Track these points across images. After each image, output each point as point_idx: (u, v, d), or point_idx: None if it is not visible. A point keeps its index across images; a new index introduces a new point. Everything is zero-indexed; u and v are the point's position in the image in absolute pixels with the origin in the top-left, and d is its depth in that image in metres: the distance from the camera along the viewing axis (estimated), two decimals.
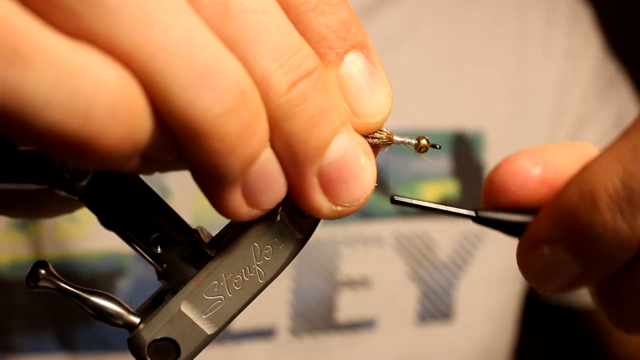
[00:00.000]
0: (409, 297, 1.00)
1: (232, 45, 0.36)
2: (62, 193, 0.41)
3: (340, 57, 0.40)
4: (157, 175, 0.89)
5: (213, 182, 0.38)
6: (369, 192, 0.43)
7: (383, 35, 1.01)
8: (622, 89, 1.16)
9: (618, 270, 0.42)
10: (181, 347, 0.44)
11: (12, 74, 0.32)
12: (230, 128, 0.36)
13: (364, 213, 0.97)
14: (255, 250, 0.44)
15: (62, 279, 0.44)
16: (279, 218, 0.44)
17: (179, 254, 0.44)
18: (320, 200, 0.41)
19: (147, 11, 0.33)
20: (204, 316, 0.44)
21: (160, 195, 0.92)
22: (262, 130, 0.37)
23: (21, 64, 0.32)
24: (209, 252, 0.44)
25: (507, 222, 0.45)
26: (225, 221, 0.46)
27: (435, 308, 1.00)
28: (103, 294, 0.44)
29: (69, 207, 0.54)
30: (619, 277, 0.43)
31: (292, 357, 0.96)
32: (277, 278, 0.45)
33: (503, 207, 0.45)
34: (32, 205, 0.52)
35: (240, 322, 0.94)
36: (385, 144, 0.44)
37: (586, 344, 1.19)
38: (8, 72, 0.32)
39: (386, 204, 0.98)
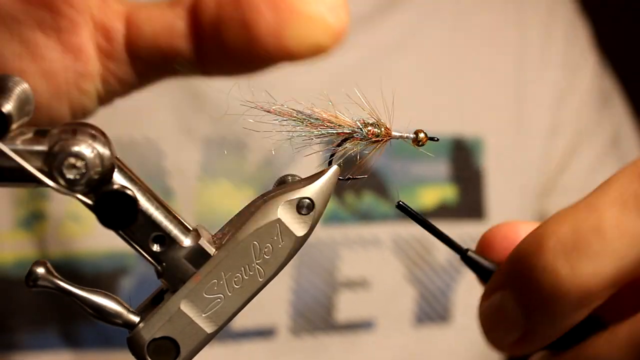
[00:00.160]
0: (407, 299, 0.99)
1: None
2: (62, 192, 0.40)
3: None
4: (159, 175, 0.90)
5: None
6: None
7: (386, 42, 1.00)
8: (618, 104, 1.15)
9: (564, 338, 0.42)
10: (181, 346, 0.43)
11: None
12: None
13: (364, 215, 0.97)
14: (255, 248, 0.43)
15: (62, 278, 0.43)
16: (278, 217, 0.43)
17: (178, 252, 0.43)
18: None
19: None
20: (203, 315, 0.43)
21: (163, 195, 0.91)
22: None
23: None
24: (208, 251, 0.43)
25: (485, 270, 0.46)
26: (226, 220, 0.46)
27: (433, 310, 1.00)
28: (103, 293, 0.43)
29: None
30: None
31: (292, 356, 0.95)
32: (277, 277, 0.44)
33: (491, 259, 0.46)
34: None
35: (241, 321, 0.93)
36: (384, 140, 0.44)
37: None
38: None
39: (386, 207, 0.97)
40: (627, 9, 1.68)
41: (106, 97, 0.53)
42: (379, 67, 0.93)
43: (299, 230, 0.44)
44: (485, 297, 0.44)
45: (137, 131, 0.91)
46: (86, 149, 0.40)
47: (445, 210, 1.00)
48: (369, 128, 0.44)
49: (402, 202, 0.46)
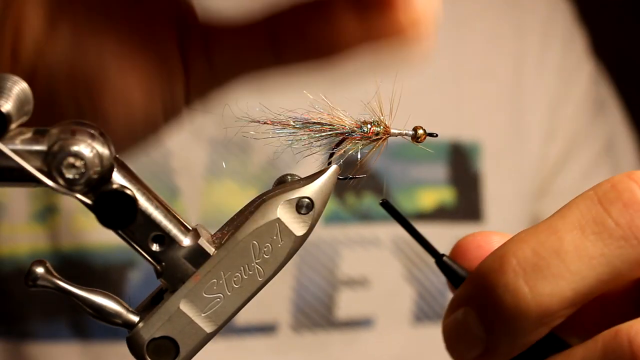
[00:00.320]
0: (406, 298, 0.98)
1: None
2: (62, 192, 0.39)
3: None
4: (166, 174, 0.89)
5: None
6: None
7: None
8: (614, 111, 1.15)
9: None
10: (180, 345, 0.42)
11: None
12: None
13: (364, 216, 0.96)
14: (255, 248, 0.42)
15: (61, 277, 0.41)
16: (277, 216, 0.42)
17: (177, 252, 0.42)
18: None
19: None
20: (203, 314, 0.42)
21: (170, 194, 0.91)
22: None
23: None
24: (207, 251, 0.42)
25: (457, 276, 0.46)
26: None
27: (431, 309, 0.99)
28: (102, 292, 0.42)
29: None
30: None
31: (293, 352, 0.94)
32: (279, 275, 0.43)
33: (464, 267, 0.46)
34: None
35: (244, 317, 0.92)
36: (384, 138, 0.42)
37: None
38: None
39: None
40: (623, 17, 1.68)
41: (190, 97, 0.54)
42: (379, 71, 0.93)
43: (298, 229, 0.42)
44: (448, 313, 0.44)
45: None
46: (85, 148, 0.39)
47: (443, 212, 0.99)
48: (369, 126, 0.43)
49: (386, 200, 0.45)
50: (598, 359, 0.40)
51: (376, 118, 0.44)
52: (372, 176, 0.96)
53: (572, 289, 0.39)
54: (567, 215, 0.41)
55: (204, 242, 0.42)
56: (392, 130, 0.43)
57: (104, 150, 0.39)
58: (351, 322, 0.96)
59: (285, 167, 0.92)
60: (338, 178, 0.44)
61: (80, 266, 0.89)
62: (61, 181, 0.39)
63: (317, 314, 0.95)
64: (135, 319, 0.42)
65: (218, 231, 0.44)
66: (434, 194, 1.00)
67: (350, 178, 0.45)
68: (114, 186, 0.40)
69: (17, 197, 0.89)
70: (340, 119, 0.44)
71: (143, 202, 0.41)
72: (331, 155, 0.44)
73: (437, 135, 0.45)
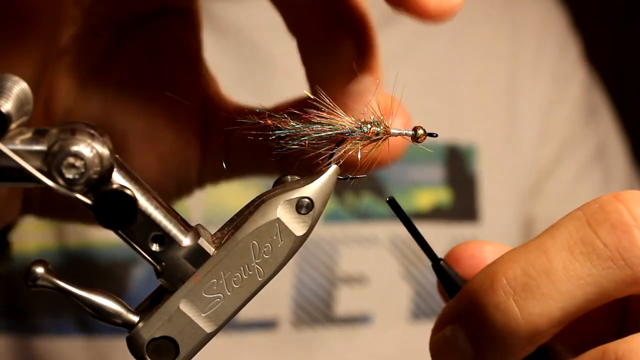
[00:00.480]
0: (403, 296, 0.98)
1: None
2: (61, 192, 0.38)
3: None
4: None
5: None
6: None
7: (384, 52, 0.98)
8: (606, 117, 1.15)
9: None
10: (180, 345, 0.40)
11: None
12: None
13: (363, 215, 0.96)
14: (254, 248, 0.41)
15: (61, 277, 0.40)
16: (277, 216, 0.40)
17: (177, 252, 0.40)
18: None
19: None
20: (203, 314, 0.40)
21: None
22: None
23: None
24: (207, 251, 0.40)
25: (451, 282, 0.45)
26: None
27: (428, 307, 0.98)
28: (102, 292, 0.40)
29: None
30: None
31: (293, 348, 0.94)
32: (279, 272, 0.42)
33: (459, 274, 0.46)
34: None
35: (245, 313, 0.92)
36: (384, 137, 0.41)
37: None
38: None
39: (383, 208, 0.96)
40: (617, 24, 1.67)
41: (202, 181, 0.55)
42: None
43: (298, 229, 0.41)
44: (436, 330, 0.44)
45: None
46: (85, 148, 0.37)
47: (440, 213, 0.99)
48: (369, 126, 0.42)
49: (393, 198, 0.44)
50: None
51: (376, 118, 0.42)
52: (371, 177, 0.95)
53: (561, 309, 0.39)
54: (556, 236, 0.40)
55: (203, 242, 0.40)
56: (392, 130, 0.42)
57: (104, 150, 0.38)
58: (350, 318, 0.95)
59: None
60: (338, 178, 0.42)
61: (85, 263, 0.89)
62: (61, 181, 0.38)
63: (317, 311, 0.94)
64: (135, 319, 0.40)
65: (218, 231, 0.42)
66: (431, 194, 0.99)
67: (350, 178, 0.43)
68: (114, 186, 0.39)
69: None
70: (341, 118, 0.42)
71: (143, 202, 0.40)
72: (331, 155, 0.43)
73: (437, 135, 0.44)
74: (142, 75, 0.52)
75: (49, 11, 0.47)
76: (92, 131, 0.38)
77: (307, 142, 0.42)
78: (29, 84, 0.39)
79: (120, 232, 0.40)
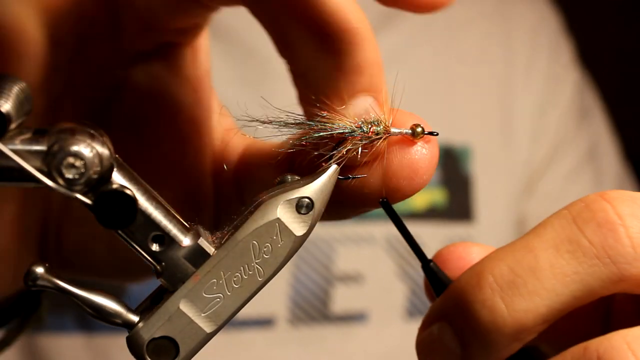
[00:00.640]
0: (398, 294, 0.98)
1: None
2: (61, 192, 0.37)
3: None
4: None
5: None
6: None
7: (382, 55, 0.99)
8: (598, 119, 1.15)
9: None
10: (180, 345, 0.39)
11: None
12: None
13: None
14: (254, 248, 0.40)
15: (61, 277, 0.39)
16: (277, 216, 0.40)
17: (177, 252, 0.39)
18: None
19: None
20: (202, 314, 0.39)
21: None
22: None
23: None
24: (207, 251, 0.39)
25: (440, 284, 0.45)
26: None
27: (423, 305, 0.98)
28: (102, 292, 0.39)
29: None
30: None
31: (290, 345, 0.94)
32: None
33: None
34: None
35: (243, 311, 0.91)
36: (384, 137, 0.40)
37: None
38: None
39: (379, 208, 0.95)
40: (611, 26, 1.67)
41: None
42: None
43: (298, 229, 0.40)
44: (423, 327, 0.44)
45: None
46: (85, 148, 0.36)
47: (435, 212, 0.99)
48: (369, 125, 0.41)
49: (386, 199, 0.43)
50: None
51: (376, 118, 0.41)
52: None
53: (547, 306, 0.39)
54: (542, 234, 0.40)
55: (203, 242, 0.40)
56: (392, 130, 0.41)
57: (104, 150, 0.37)
58: (346, 316, 0.95)
59: None
60: (338, 178, 0.41)
61: None
62: (61, 181, 0.37)
63: (313, 309, 0.94)
64: (135, 318, 0.39)
65: (218, 231, 0.41)
66: (426, 194, 0.99)
67: (351, 178, 0.42)
68: (114, 186, 0.38)
69: None
70: (341, 118, 0.41)
71: (143, 202, 0.39)
72: (331, 155, 0.42)
73: (437, 134, 0.43)
74: (141, 132, 0.49)
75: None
76: (92, 131, 0.37)
77: (306, 141, 0.41)
78: None
79: (120, 232, 0.39)
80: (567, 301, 0.39)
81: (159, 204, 0.39)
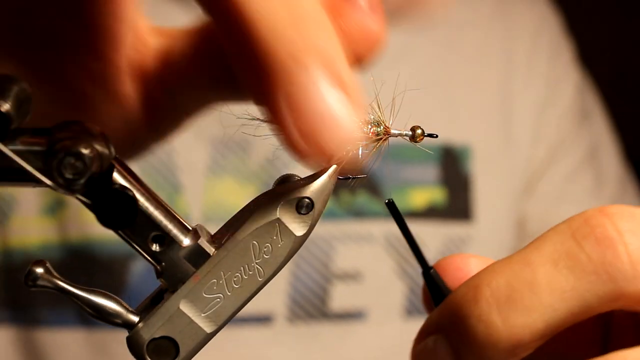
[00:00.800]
0: (397, 293, 0.97)
1: None
2: (61, 192, 0.36)
3: None
4: (171, 170, 0.89)
5: None
6: None
7: (383, 55, 0.98)
8: (599, 120, 1.14)
9: None
10: (180, 345, 0.39)
11: None
12: None
13: (358, 212, 0.95)
14: (255, 248, 0.39)
15: (61, 277, 0.39)
16: (277, 216, 0.39)
17: (177, 252, 0.39)
18: None
19: None
20: (203, 314, 0.39)
21: (174, 191, 0.92)
22: None
23: None
24: (207, 251, 0.39)
25: (439, 292, 0.45)
26: (232, 213, 0.42)
27: (422, 304, 0.98)
28: (102, 292, 0.39)
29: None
30: None
31: (288, 342, 0.93)
32: None
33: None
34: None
35: None
36: (384, 138, 0.40)
37: None
38: None
39: (378, 206, 0.95)
40: (611, 26, 1.67)
41: (146, 144, 0.50)
42: (375, 77, 0.93)
43: (298, 229, 0.40)
44: (419, 340, 0.43)
45: None
46: (85, 148, 0.36)
47: (434, 211, 0.99)
48: (369, 126, 0.41)
49: (392, 201, 0.43)
50: None
51: (376, 118, 0.41)
52: (368, 173, 0.95)
53: (544, 321, 0.38)
54: (540, 249, 0.39)
55: (203, 242, 0.39)
56: (392, 131, 0.41)
57: (104, 151, 0.37)
58: (344, 314, 0.95)
59: (283, 165, 0.92)
60: (338, 178, 0.41)
61: (87, 258, 0.89)
62: (61, 181, 0.36)
63: (312, 306, 0.94)
64: (135, 319, 0.39)
65: (218, 231, 0.41)
66: (426, 193, 0.99)
67: (351, 178, 0.42)
68: (114, 186, 0.37)
69: (28, 191, 0.89)
70: None
71: (143, 202, 0.38)
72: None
73: (437, 136, 0.43)
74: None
75: None
76: (92, 131, 0.37)
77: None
78: None
79: (120, 232, 0.39)
80: (564, 317, 0.38)
81: (159, 204, 0.39)
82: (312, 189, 0.40)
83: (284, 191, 0.40)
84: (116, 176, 0.38)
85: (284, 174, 0.42)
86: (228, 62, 0.38)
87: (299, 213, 0.40)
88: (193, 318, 0.39)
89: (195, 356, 0.40)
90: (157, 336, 0.39)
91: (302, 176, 0.42)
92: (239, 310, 0.40)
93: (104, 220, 0.37)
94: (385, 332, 0.97)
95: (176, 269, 0.39)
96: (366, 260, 0.96)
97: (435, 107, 1.01)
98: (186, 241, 0.39)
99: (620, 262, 0.38)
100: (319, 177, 0.40)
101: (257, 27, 0.33)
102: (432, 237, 0.98)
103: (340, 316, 0.95)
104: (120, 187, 0.38)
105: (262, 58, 0.34)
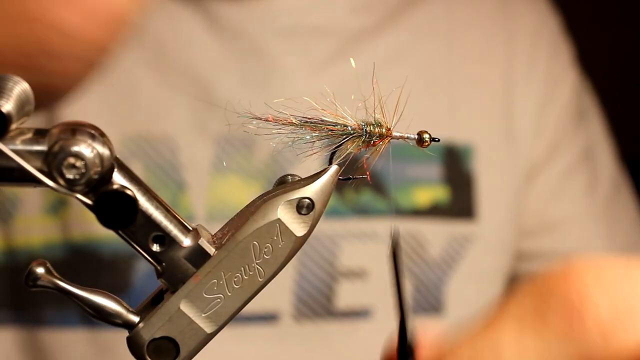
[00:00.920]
0: None
1: None
2: (62, 192, 0.37)
3: None
4: (176, 168, 0.89)
5: None
6: None
7: (383, 54, 0.99)
8: (595, 120, 1.14)
9: None
10: (180, 345, 0.39)
11: None
12: None
13: (362, 211, 0.95)
14: (255, 248, 0.39)
15: (61, 278, 0.39)
16: (278, 216, 0.39)
17: (178, 252, 0.39)
18: None
19: None
20: (203, 315, 0.39)
21: (178, 188, 0.92)
22: None
23: None
24: (208, 251, 0.39)
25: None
26: (235, 211, 0.42)
27: (427, 302, 0.98)
28: (102, 292, 0.39)
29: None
30: None
31: (294, 341, 0.93)
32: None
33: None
34: None
35: (247, 306, 0.91)
36: (386, 140, 0.40)
37: None
38: None
39: (382, 204, 0.96)
40: (611, 27, 1.66)
41: None
42: (378, 76, 0.93)
43: (298, 230, 0.40)
44: None
45: (156, 127, 0.91)
46: (86, 148, 0.36)
47: (437, 210, 0.99)
48: (371, 127, 0.41)
49: (397, 247, 0.41)
50: None
51: (379, 119, 0.41)
52: (371, 174, 0.95)
53: None
54: (505, 312, 0.37)
55: (204, 243, 0.39)
56: (395, 133, 0.41)
57: (105, 151, 0.37)
58: (350, 312, 0.95)
59: (286, 162, 0.92)
60: (339, 179, 0.41)
61: (89, 256, 0.89)
62: (61, 181, 0.37)
63: (318, 304, 0.94)
64: (136, 319, 0.39)
65: (218, 231, 0.41)
66: (429, 192, 0.99)
67: (351, 179, 0.42)
68: (115, 186, 0.38)
69: (31, 191, 0.88)
70: (343, 118, 0.41)
71: (143, 203, 0.38)
72: (332, 155, 0.42)
73: (439, 140, 0.43)
74: None
75: None
76: (93, 131, 0.37)
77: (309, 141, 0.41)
78: None
79: (120, 232, 0.39)
80: None
81: (159, 205, 0.39)
82: (313, 189, 0.40)
83: (285, 191, 0.40)
84: (116, 176, 0.38)
85: (285, 174, 0.42)
86: None
87: (300, 213, 0.40)
88: (193, 318, 0.39)
89: (202, 355, 0.40)
90: (157, 336, 0.39)
91: (303, 176, 0.42)
92: (239, 311, 0.40)
93: (105, 221, 0.38)
94: (391, 330, 0.96)
95: (176, 269, 0.39)
96: (371, 259, 0.96)
97: (437, 106, 1.01)
98: (187, 241, 0.39)
99: (586, 328, 0.36)
100: (320, 177, 0.41)
101: None
102: (435, 235, 0.98)
103: (346, 314, 0.95)
104: (121, 187, 0.38)
105: None
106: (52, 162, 0.36)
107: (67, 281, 0.39)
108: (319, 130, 0.41)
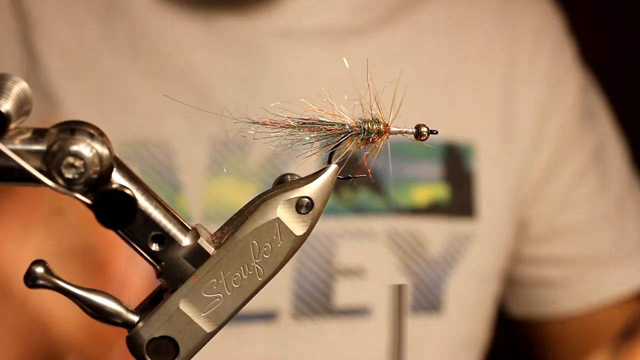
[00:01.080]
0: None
1: None
2: (61, 191, 0.37)
3: None
4: (171, 170, 0.89)
5: None
6: None
7: (384, 52, 0.99)
8: (603, 119, 1.14)
9: None
10: (180, 345, 0.39)
11: None
12: None
13: (360, 209, 0.95)
14: (254, 248, 0.40)
15: (60, 277, 0.39)
16: (277, 216, 0.39)
17: (177, 252, 0.39)
18: None
19: None
20: (202, 314, 0.39)
21: (174, 190, 0.92)
22: None
23: None
24: (207, 250, 0.39)
25: None
26: (231, 212, 0.42)
27: (426, 300, 0.98)
28: (102, 292, 0.39)
29: None
30: None
31: (292, 339, 0.93)
32: None
33: None
34: None
35: (245, 305, 0.92)
36: (385, 136, 0.40)
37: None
38: None
39: (380, 203, 0.96)
40: (615, 24, 1.66)
41: None
42: (378, 75, 0.92)
43: (298, 229, 0.40)
44: None
45: (152, 130, 0.91)
46: (85, 148, 0.37)
47: (437, 208, 0.99)
48: (369, 124, 0.41)
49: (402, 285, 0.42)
50: None
51: (376, 116, 0.41)
52: (370, 172, 0.95)
53: None
54: None
55: (203, 242, 0.39)
56: (393, 129, 0.41)
57: (104, 150, 0.37)
58: (349, 310, 0.95)
59: (283, 164, 0.92)
60: (338, 178, 0.41)
61: None
62: (61, 181, 0.37)
63: (316, 303, 0.94)
64: (135, 318, 0.39)
65: (218, 231, 0.41)
66: (429, 190, 0.99)
67: (351, 178, 0.42)
68: (114, 186, 0.38)
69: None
70: (341, 117, 0.41)
71: (142, 202, 0.39)
72: (331, 154, 0.42)
73: (437, 132, 0.43)
74: None
75: None
76: (92, 131, 0.37)
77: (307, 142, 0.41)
78: None
79: (120, 231, 0.39)
80: None
81: (158, 204, 0.39)
82: (312, 189, 0.40)
83: (284, 191, 0.40)
84: (115, 176, 0.38)
85: (284, 173, 0.42)
86: None
87: (299, 213, 0.40)
88: (193, 318, 0.39)
89: (201, 354, 0.41)
90: (156, 336, 0.39)
91: (302, 175, 0.42)
92: (238, 310, 0.40)
93: (104, 220, 0.38)
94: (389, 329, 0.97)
95: (176, 268, 0.39)
96: (369, 257, 0.96)
97: (438, 104, 1.01)
98: (186, 241, 0.39)
99: None
100: (319, 176, 0.41)
101: None
102: (434, 233, 0.98)
103: (344, 312, 0.95)
104: (120, 186, 0.38)
105: None
106: (51, 162, 0.36)
107: (66, 281, 0.39)
108: (317, 131, 0.42)
